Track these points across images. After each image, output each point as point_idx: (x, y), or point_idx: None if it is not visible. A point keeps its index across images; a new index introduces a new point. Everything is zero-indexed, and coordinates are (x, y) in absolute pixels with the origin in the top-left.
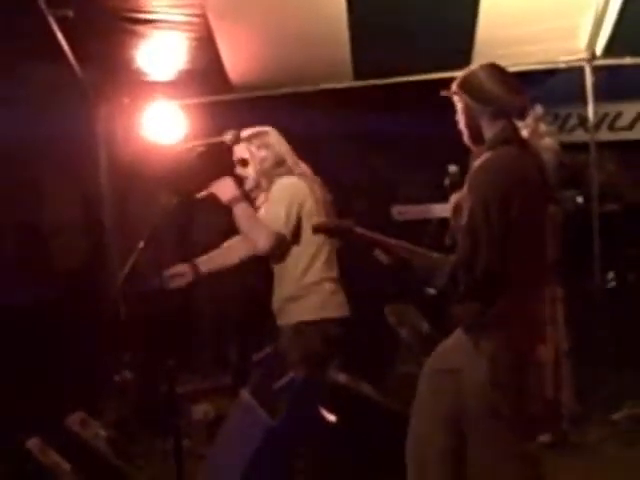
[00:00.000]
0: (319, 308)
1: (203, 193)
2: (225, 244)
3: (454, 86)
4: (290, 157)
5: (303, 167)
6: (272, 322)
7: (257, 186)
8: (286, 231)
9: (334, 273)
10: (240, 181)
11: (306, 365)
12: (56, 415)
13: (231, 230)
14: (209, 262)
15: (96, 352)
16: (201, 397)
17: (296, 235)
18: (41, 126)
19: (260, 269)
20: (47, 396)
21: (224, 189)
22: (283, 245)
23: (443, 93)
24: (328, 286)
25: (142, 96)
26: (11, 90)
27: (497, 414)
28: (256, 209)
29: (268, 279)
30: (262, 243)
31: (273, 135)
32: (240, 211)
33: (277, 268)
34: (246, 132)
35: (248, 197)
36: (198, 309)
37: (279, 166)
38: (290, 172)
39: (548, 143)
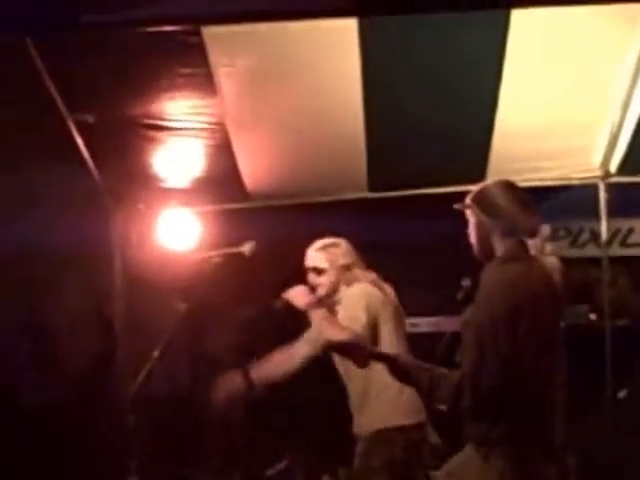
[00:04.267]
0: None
1: (278, 302)
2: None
3: (467, 200)
4: (360, 265)
5: (372, 275)
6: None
7: (330, 295)
8: (365, 333)
9: None
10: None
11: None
12: None
13: (241, 344)
14: (263, 368)
15: (105, 459)
16: None
17: (374, 342)
18: (57, 229)
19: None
20: None
21: (299, 295)
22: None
23: (456, 206)
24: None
25: (158, 202)
26: (29, 192)
27: None
28: None
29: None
30: (340, 337)
31: (345, 245)
32: (317, 316)
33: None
34: (321, 242)
35: (321, 304)
36: (205, 418)
37: (351, 273)
38: (359, 280)
39: (552, 262)
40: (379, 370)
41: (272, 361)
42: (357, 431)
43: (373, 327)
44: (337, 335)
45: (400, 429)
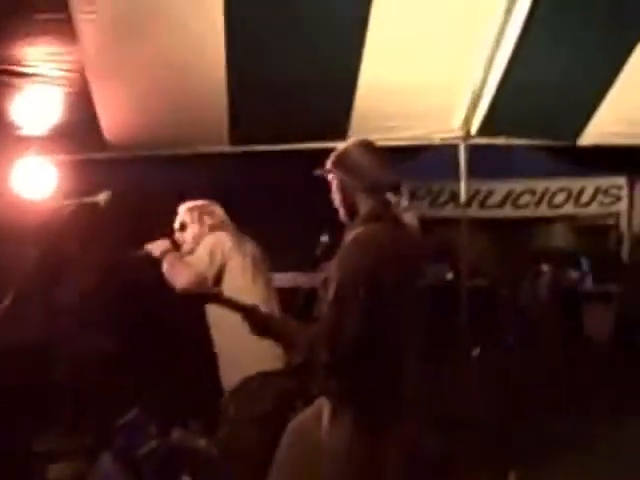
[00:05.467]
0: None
1: (139, 252)
2: None
3: (328, 164)
4: (227, 228)
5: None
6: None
7: (193, 250)
8: (209, 273)
9: None
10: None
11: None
12: None
13: (96, 291)
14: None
15: None
16: (58, 457)
17: (217, 284)
18: None
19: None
20: None
21: (156, 245)
22: (204, 286)
23: (317, 172)
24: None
25: (14, 150)
26: None
27: None
28: None
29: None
30: (181, 281)
31: (216, 208)
32: (169, 259)
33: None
34: (193, 202)
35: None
36: (57, 368)
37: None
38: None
39: (408, 218)
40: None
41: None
42: (224, 381)
43: (218, 270)
44: (182, 279)
45: (267, 375)
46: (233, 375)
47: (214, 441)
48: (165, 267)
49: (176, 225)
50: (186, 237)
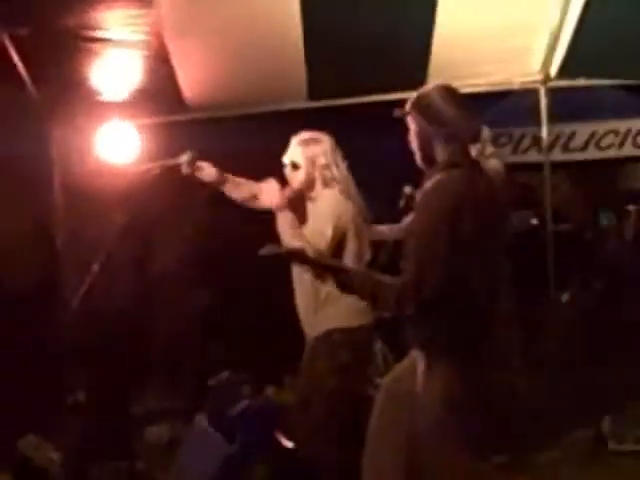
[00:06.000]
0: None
1: (247, 195)
2: None
3: (407, 107)
4: (338, 165)
5: (346, 180)
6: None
7: (303, 191)
8: (328, 249)
9: None
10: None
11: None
12: (8, 439)
13: (187, 258)
14: None
15: (49, 375)
16: (155, 419)
17: (338, 253)
18: None
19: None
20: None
21: (271, 193)
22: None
23: (396, 114)
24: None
25: (96, 116)
26: None
27: (450, 435)
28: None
29: (226, 302)
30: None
31: (327, 142)
32: (284, 220)
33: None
34: (305, 135)
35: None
36: (153, 330)
37: (327, 173)
38: (332, 185)
39: (493, 165)
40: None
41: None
42: (306, 335)
43: (339, 242)
44: (292, 243)
45: (346, 330)
46: (313, 329)
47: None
48: (283, 229)
49: (286, 160)
50: (298, 177)
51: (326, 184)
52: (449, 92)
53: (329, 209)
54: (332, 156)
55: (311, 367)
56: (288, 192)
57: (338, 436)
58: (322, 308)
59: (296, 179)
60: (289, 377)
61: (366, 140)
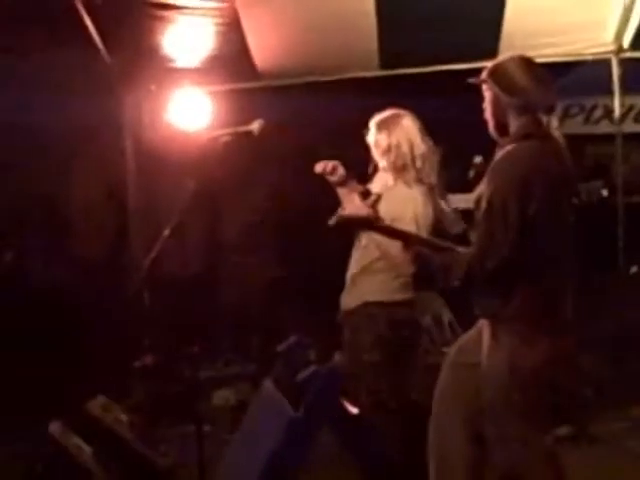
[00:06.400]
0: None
1: (333, 221)
2: None
3: (483, 74)
4: (424, 139)
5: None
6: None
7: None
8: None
9: None
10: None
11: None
12: (78, 399)
13: (255, 225)
14: None
15: (118, 337)
16: (222, 383)
17: None
18: (68, 111)
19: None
20: (69, 380)
21: (356, 211)
22: None
23: (471, 80)
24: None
25: (169, 83)
26: (39, 75)
27: (515, 407)
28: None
29: (294, 269)
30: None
31: (408, 123)
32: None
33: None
34: (383, 116)
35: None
36: (221, 296)
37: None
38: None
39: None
40: (384, 249)
41: None
42: (343, 307)
43: None
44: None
45: (382, 304)
46: (351, 300)
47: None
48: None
49: (369, 140)
50: (380, 161)
51: (404, 170)
52: (525, 63)
53: (403, 204)
54: (412, 138)
55: (353, 341)
56: (371, 198)
57: (393, 407)
58: (360, 281)
59: (379, 161)
60: None
61: (437, 109)
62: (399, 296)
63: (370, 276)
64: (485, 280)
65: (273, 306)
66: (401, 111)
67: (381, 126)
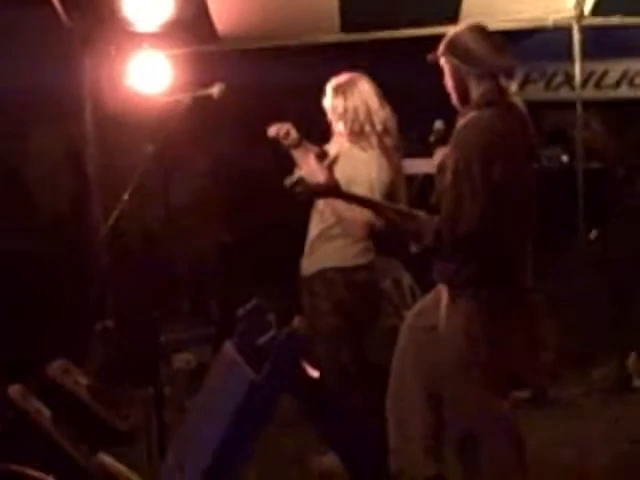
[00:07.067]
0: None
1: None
2: None
3: (441, 48)
4: (380, 104)
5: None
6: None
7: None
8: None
9: None
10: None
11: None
12: (37, 363)
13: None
14: None
15: (78, 301)
16: (182, 346)
17: None
18: (26, 73)
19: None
20: (27, 344)
21: (314, 177)
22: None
23: (429, 58)
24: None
25: (129, 46)
26: None
27: (471, 371)
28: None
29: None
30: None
31: (364, 87)
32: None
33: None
34: (340, 80)
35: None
36: (176, 261)
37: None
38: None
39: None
40: (339, 214)
41: None
42: (302, 273)
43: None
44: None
45: (340, 270)
46: (310, 266)
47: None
48: (305, 165)
49: (326, 105)
50: (336, 125)
51: (361, 134)
52: (481, 31)
53: (358, 165)
54: (369, 103)
55: (312, 306)
56: (327, 160)
57: (350, 374)
58: (318, 247)
59: (335, 125)
60: None
61: (397, 74)
62: (357, 261)
63: (328, 242)
64: (453, 247)
65: (227, 271)
66: (357, 74)
67: (338, 90)
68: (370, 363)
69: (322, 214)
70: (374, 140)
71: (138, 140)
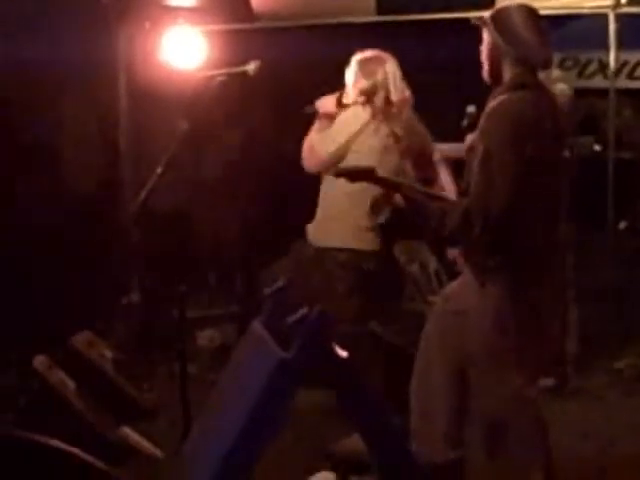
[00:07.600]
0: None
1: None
2: None
3: (486, 17)
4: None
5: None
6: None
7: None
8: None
9: None
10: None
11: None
12: (63, 335)
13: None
14: None
15: (105, 274)
16: (207, 323)
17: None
18: (61, 47)
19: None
20: (54, 316)
21: (326, 103)
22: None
23: (474, 20)
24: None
25: (164, 21)
26: (33, 11)
27: (499, 357)
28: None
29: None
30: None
31: (389, 64)
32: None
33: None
34: (366, 54)
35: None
36: (205, 238)
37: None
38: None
39: (561, 89)
40: (349, 192)
41: None
42: (312, 241)
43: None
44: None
45: (354, 252)
46: (321, 238)
47: None
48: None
49: (347, 79)
50: (356, 97)
51: (382, 108)
52: (530, 14)
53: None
54: (391, 80)
55: (327, 288)
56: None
57: (374, 353)
58: (330, 225)
59: (354, 98)
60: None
61: (432, 57)
62: (371, 245)
63: (340, 222)
64: (482, 227)
65: (251, 247)
66: (384, 54)
67: (363, 67)
68: (393, 346)
69: (334, 195)
70: (386, 123)
71: (171, 115)
